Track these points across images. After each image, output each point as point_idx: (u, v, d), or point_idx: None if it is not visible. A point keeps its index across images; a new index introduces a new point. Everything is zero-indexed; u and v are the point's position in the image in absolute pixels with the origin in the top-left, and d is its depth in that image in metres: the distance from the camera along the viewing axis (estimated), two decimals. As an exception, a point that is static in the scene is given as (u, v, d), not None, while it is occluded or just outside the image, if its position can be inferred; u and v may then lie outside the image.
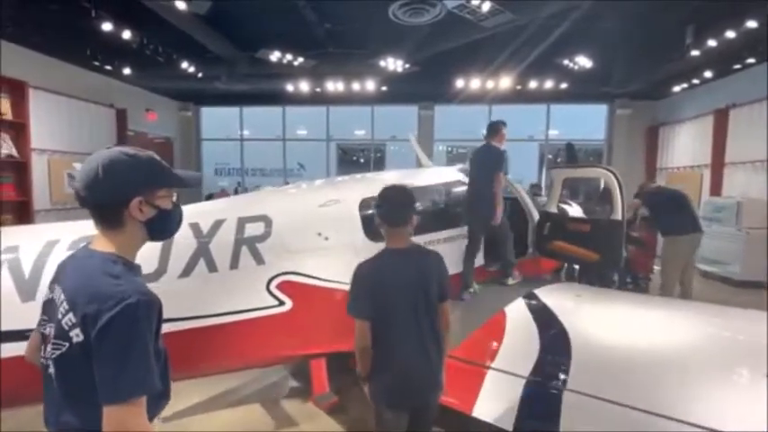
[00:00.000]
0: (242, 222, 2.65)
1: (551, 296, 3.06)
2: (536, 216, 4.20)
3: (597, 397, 1.94)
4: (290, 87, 8.52)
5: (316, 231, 2.84)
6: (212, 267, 2.51)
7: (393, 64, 7.00)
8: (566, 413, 1.93)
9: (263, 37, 6.70)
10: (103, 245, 1.14)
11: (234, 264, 2.58)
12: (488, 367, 2.35)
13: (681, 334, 2.42)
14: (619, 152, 10.49)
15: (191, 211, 2.69)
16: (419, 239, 3.31)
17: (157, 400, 1.17)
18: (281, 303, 2.71)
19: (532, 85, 8.74)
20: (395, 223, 1.85)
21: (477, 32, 5.82)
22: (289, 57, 6.79)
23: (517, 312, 2.90)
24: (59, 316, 1.08)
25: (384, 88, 8.66)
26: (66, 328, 1.06)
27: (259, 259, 2.65)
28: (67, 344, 1.06)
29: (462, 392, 2.28)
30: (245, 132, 12.57)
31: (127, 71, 7.48)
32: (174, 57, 6.86)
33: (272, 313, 2.68)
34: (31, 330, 2.07)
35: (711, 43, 6.03)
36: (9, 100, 6.20)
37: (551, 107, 11.42)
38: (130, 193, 1.12)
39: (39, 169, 6.68)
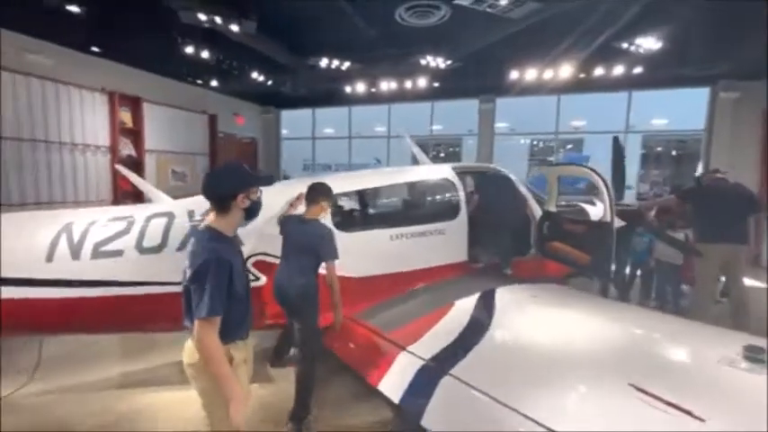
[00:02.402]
0: (227, 210, 3.28)
1: (506, 295, 3.08)
2: (536, 215, 4.08)
3: (468, 384, 2.07)
4: (347, 89, 9.18)
5: (288, 220, 3.33)
6: (201, 245, 3.18)
7: (434, 61, 7.13)
8: (438, 393, 2.11)
9: (317, 44, 7.40)
10: (214, 222, 1.85)
11: (218, 243, 3.22)
12: (404, 348, 2.59)
13: (593, 341, 2.30)
14: (720, 143, 8.87)
15: (189, 202, 3.44)
16: (404, 231, 3.62)
17: (235, 331, 1.85)
18: (257, 279, 3.28)
19: (600, 71, 7.96)
20: (307, 201, 2.91)
21: (512, 26, 5.66)
22: (336, 62, 7.40)
23: (463, 306, 3.01)
24: (185, 264, 1.82)
25: (436, 84, 8.78)
26: (185, 268, 1.80)
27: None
28: (186, 281, 1.79)
29: (377, 368, 2.57)
30: (330, 131, 13.80)
31: (214, 83, 8.95)
32: (246, 68, 8.02)
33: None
34: (74, 281, 2.96)
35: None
36: (129, 112, 8.05)
37: (649, 94, 10.13)
38: (239, 190, 1.82)
39: (150, 166, 8.49)
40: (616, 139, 5.35)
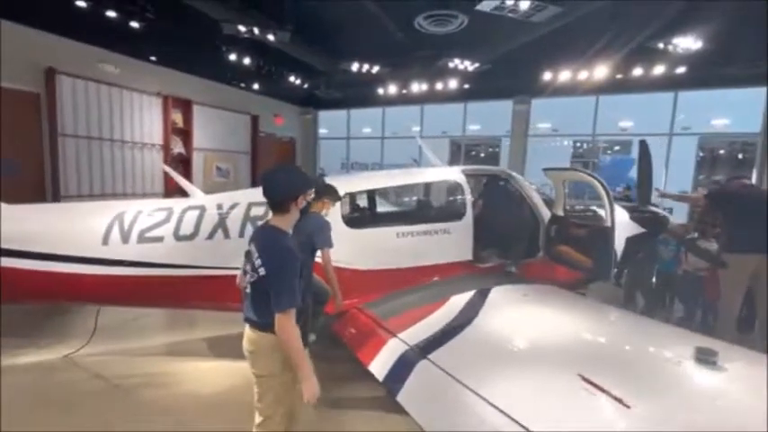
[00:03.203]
0: (250, 206, 3.69)
1: (500, 293, 3.23)
2: (545, 218, 4.15)
3: (439, 366, 2.30)
4: (380, 91, 9.49)
5: (302, 216, 3.69)
6: (226, 235, 3.61)
7: (462, 64, 7.25)
8: (414, 374, 2.36)
9: (349, 49, 7.76)
10: (276, 222, 1.95)
11: (241, 233, 3.63)
12: (394, 335, 2.85)
13: (561, 336, 2.42)
14: (777, 147, 8.23)
15: (218, 197, 3.90)
16: (410, 229, 3.87)
17: (299, 318, 1.91)
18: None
19: (639, 71, 7.67)
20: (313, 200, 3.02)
21: (536, 29, 5.68)
22: (367, 66, 7.73)
23: (458, 301, 3.21)
24: (254, 259, 1.89)
25: (466, 86, 8.87)
26: (257, 266, 1.86)
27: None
28: (257, 275, 1.86)
29: (370, 351, 2.85)
30: (368, 130, 14.25)
31: (256, 86, 9.61)
32: (284, 72, 8.57)
33: (265, 272, 3.66)
34: (120, 261, 3.49)
35: None
36: (180, 113, 8.88)
37: (707, 93, 9.63)
38: (299, 192, 1.94)
39: (197, 163, 9.31)
40: (643, 143, 5.24)
